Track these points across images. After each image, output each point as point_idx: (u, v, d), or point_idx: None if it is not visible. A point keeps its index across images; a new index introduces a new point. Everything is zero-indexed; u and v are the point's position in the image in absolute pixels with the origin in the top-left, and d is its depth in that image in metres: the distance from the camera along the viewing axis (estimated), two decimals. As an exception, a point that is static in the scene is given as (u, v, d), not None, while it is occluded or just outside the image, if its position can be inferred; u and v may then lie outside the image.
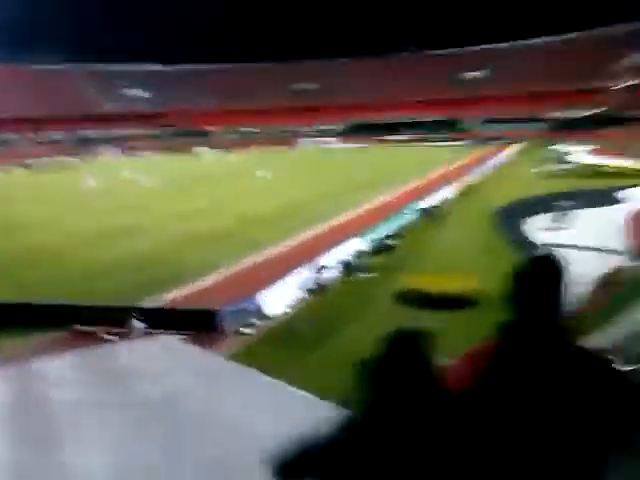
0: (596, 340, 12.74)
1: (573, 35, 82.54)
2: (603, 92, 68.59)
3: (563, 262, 1.74)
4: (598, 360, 1.62)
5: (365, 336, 13.10)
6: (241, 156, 67.96)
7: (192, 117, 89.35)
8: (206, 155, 74.12)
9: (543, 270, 1.72)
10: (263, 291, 16.36)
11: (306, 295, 17.40)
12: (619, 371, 1.61)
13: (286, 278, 17.53)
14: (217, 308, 15.09)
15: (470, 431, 1.57)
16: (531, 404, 1.57)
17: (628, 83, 66.74)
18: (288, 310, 16.40)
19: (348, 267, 19.46)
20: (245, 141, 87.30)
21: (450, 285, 16.38)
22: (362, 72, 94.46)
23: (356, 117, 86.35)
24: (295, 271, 18.02)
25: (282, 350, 13.30)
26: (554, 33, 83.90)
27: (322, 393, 7.75)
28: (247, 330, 15.06)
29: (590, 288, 17.13)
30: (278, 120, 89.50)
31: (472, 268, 18.47)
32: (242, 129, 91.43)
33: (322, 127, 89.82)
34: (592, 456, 1.55)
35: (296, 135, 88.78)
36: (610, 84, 68.68)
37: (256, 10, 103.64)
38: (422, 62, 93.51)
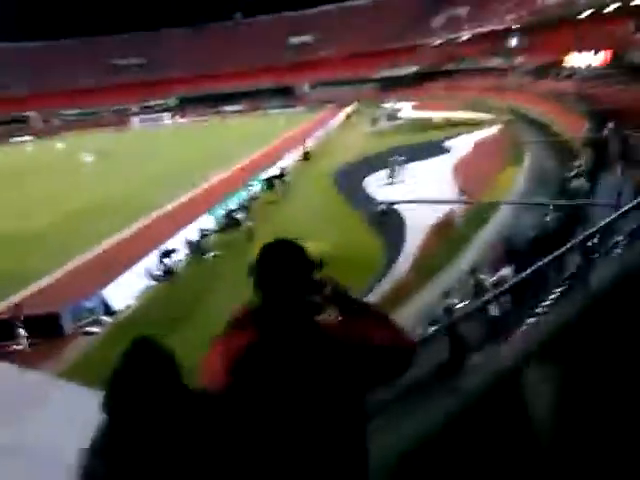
0: (437, 283, 13.88)
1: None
2: (424, 48, 73.13)
3: (297, 242, 1.78)
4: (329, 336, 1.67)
5: (221, 316, 13.04)
6: (66, 142, 62.35)
7: (3, 103, 79.98)
8: (27, 144, 67.33)
9: (279, 253, 1.74)
10: (107, 285, 15.40)
11: (154, 283, 16.71)
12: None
13: (130, 268, 16.65)
14: (55, 310, 13.91)
15: (228, 428, 1.56)
16: (285, 391, 1.60)
17: (445, 38, 71.79)
18: (135, 302, 15.64)
19: (196, 248, 18.99)
20: (69, 125, 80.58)
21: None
22: (189, 43, 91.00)
23: (188, 90, 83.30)
24: (139, 260, 17.18)
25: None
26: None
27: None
28: (93, 329, 14.13)
29: (425, 236, 18.69)
30: (104, 99, 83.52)
31: (319, 232, 19.02)
32: (65, 112, 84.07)
33: (154, 103, 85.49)
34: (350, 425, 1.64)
35: (126, 114, 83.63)
36: (429, 40, 73.33)
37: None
38: (249, 29, 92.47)
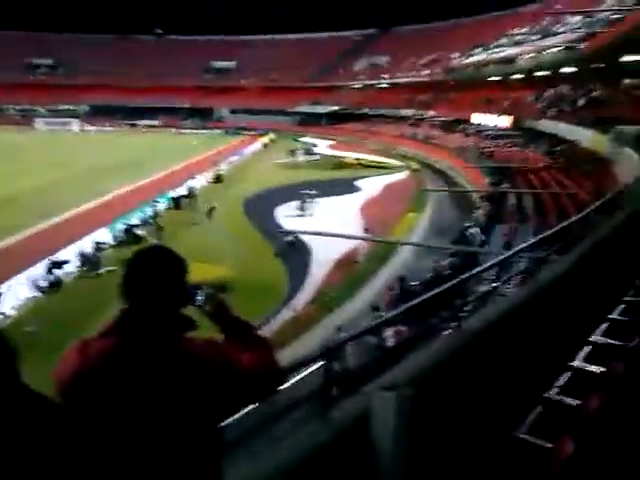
0: (335, 317, 14.05)
1: (320, 34, 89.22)
2: (344, 89, 75.66)
3: (170, 252, 1.72)
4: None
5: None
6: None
7: None
8: None
9: (149, 260, 1.68)
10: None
11: (36, 294, 15.61)
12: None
13: (16, 275, 15.49)
14: None
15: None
16: (132, 403, 1.52)
17: (364, 82, 74.68)
18: (12, 312, 14.50)
19: (89, 261, 18.00)
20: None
21: (199, 274, 16.30)
22: (109, 51, 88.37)
23: (101, 98, 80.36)
24: (27, 267, 16.04)
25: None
26: (302, 31, 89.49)
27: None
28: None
29: (329, 269, 18.99)
30: (12, 97, 78.65)
31: (223, 257, 18.76)
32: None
33: (63, 107, 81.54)
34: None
35: (31, 115, 79.06)
36: (350, 82, 76.01)
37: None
38: (173, 47, 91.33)
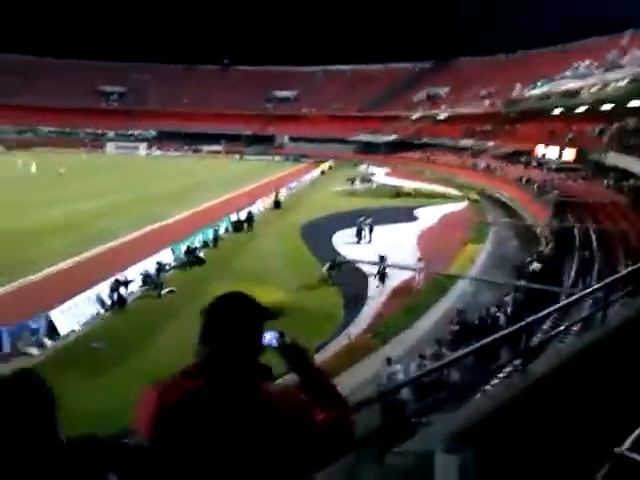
0: (393, 345, 13.88)
1: (379, 66, 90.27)
2: (402, 119, 75.85)
3: (250, 300, 1.72)
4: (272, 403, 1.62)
5: (169, 355, 12.81)
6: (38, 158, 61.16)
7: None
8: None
9: (227, 308, 1.68)
10: (55, 306, 14.90)
11: (103, 311, 16.27)
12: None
13: (83, 293, 16.20)
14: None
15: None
16: (210, 449, 1.55)
17: (422, 113, 74.68)
18: (82, 327, 15.16)
19: (152, 281, 18.60)
20: (43, 140, 79.60)
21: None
22: (176, 80, 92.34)
23: (169, 124, 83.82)
24: (92, 285, 16.76)
25: (72, 373, 12.19)
26: (362, 62, 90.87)
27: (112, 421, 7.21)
28: (33, 350, 13.56)
29: (386, 298, 18.86)
30: (83, 121, 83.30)
31: (280, 281, 18.98)
32: (41, 128, 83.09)
33: (132, 132, 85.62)
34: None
35: (103, 138, 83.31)
36: (408, 113, 76.16)
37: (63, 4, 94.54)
38: (238, 77, 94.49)
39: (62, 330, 14.63)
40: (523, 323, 3.49)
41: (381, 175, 56.25)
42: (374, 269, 20.46)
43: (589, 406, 3.29)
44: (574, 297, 5.29)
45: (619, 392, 3.71)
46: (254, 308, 1.71)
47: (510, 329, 3.56)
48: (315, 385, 1.76)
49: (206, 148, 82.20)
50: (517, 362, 3.93)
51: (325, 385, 1.78)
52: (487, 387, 5.14)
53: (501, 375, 5.73)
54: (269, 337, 1.77)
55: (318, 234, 27.60)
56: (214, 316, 1.67)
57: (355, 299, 18.44)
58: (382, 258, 20.38)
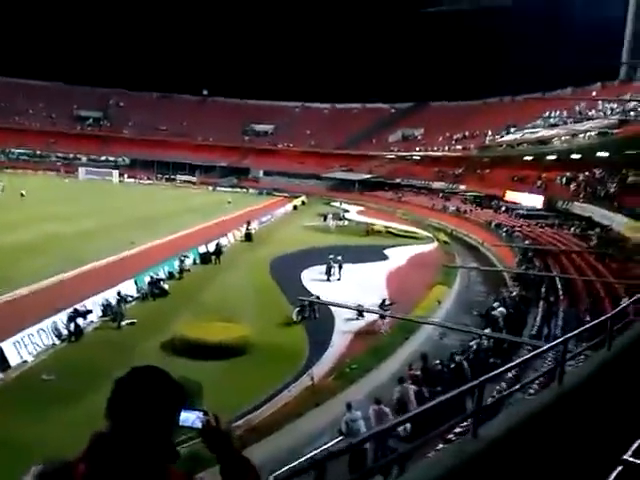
0: (356, 388, 13.63)
1: (356, 104, 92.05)
2: (377, 158, 77.02)
3: (167, 378, 1.54)
4: None
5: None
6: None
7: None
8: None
9: (137, 384, 1.50)
10: (6, 337, 14.28)
11: (59, 342, 15.67)
12: None
13: (37, 323, 15.59)
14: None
15: None
16: None
17: (398, 153, 75.94)
18: (35, 359, 14.54)
19: (113, 312, 18.08)
20: (14, 163, 78.43)
21: (221, 334, 16.16)
22: (152, 108, 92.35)
23: (144, 152, 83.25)
24: (49, 315, 16.16)
25: (20, 405, 11.64)
26: (339, 101, 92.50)
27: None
28: (-21, 382, 12.94)
29: (351, 339, 18.65)
30: (57, 145, 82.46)
31: (245, 317, 18.65)
32: (15, 150, 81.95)
33: (105, 157, 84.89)
34: None
35: (76, 163, 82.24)
36: (383, 152, 77.41)
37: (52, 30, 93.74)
38: (215, 108, 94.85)
39: (12, 361, 14.03)
40: (476, 382, 3.35)
41: (353, 213, 56.64)
42: (343, 310, 20.30)
43: (540, 473, 3.15)
44: (531, 354, 5.17)
45: (572, 456, 3.58)
46: (170, 387, 1.53)
47: (461, 388, 3.41)
48: (234, 474, 1.61)
49: (180, 177, 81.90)
50: (467, 423, 3.79)
51: (245, 474, 1.63)
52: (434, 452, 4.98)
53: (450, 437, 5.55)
54: (193, 418, 1.62)
55: (288, 270, 27.35)
56: (122, 390, 1.48)
57: (320, 339, 18.16)
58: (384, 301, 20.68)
